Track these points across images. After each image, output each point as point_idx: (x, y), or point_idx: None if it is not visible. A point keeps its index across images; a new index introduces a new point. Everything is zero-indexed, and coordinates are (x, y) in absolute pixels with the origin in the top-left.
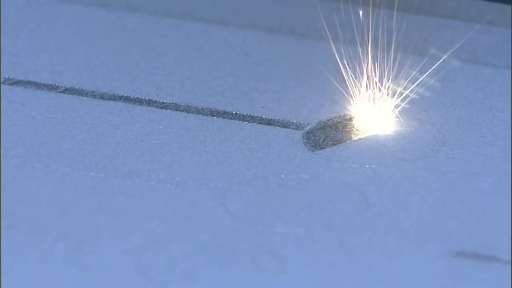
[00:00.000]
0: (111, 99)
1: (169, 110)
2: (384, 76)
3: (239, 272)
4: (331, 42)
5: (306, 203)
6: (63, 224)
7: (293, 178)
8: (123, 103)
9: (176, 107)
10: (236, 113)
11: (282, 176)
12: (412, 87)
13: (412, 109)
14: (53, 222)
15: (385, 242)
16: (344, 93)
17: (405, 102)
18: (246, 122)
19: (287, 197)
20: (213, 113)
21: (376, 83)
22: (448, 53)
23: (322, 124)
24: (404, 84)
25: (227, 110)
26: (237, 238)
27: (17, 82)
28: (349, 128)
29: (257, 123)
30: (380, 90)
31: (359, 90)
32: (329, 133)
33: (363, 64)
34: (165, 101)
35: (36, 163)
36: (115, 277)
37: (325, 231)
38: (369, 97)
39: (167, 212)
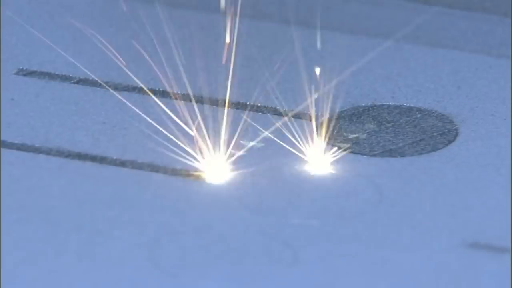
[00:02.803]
0: (125, 90)
1: (183, 101)
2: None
3: (253, 264)
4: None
5: (320, 195)
6: (76, 216)
7: (307, 169)
8: (137, 94)
9: (190, 98)
10: (250, 104)
11: (296, 167)
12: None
13: (426, 100)
14: (66, 214)
15: (398, 234)
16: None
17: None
18: (260, 113)
19: (301, 188)
20: (227, 104)
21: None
22: (463, 45)
23: (336, 115)
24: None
25: (241, 101)
26: (250, 229)
27: (31, 73)
28: (363, 119)
29: (271, 114)
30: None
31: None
32: (343, 124)
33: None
34: (178, 92)
35: (49, 154)
36: (128, 269)
37: (339, 222)
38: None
39: (180, 203)
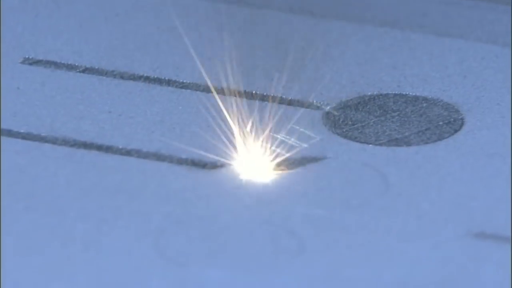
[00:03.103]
0: (131, 79)
1: (188, 90)
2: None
3: (258, 253)
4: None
5: (326, 184)
6: (81, 205)
7: (313, 158)
8: (143, 83)
9: (196, 87)
10: (256, 93)
11: (302, 156)
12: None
13: (432, 89)
14: (72, 203)
15: (404, 223)
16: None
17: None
18: (266, 102)
19: (307, 177)
20: (233, 93)
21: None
22: (469, 34)
23: (342, 104)
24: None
25: (247, 90)
26: (256, 219)
27: (37, 62)
28: (370, 108)
29: (278, 103)
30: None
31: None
32: (349, 114)
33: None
34: (184, 80)
35: (55, 144)
36: (134, 258)
37: (345, 212)
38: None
39: (186, 193)
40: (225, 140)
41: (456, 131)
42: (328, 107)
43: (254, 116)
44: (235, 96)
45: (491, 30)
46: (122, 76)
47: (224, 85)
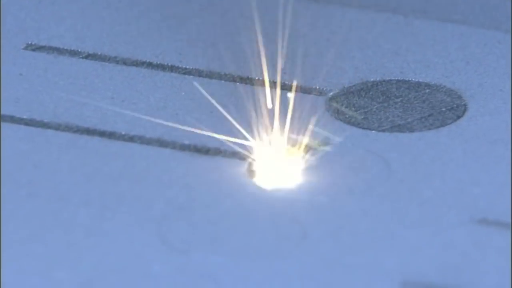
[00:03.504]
0: (134, 65)
1: (191, 76)
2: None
3: (261, 239)
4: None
5: (329, 170)
6: (84, 191)
7: (315, 144)
8: (146, 69)
9: (199, 73)
10: (258, 79)
11: (304, 142)
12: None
13: (434, 75)
14: (75, 189)
15: (407, 210)
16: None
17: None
18: (268, 88)
19: (310, 163)
20: (236, 78)
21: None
22: (472, 20)
23: (345, 90)
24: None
25: (249, 76)
26: (259, 205)
27: (40, 48)
28: (372, 94)
29: (280, 89)
30: None
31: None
32: (351, 100)
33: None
34: (187, 67)
35: (58, 130)
36: (137, 245)
37: (347, 198)
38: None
39: (189, 179)
40: (228, 126)
41: (458, 117)
42: (331, 93)
43: (257, 102)
44: (238, 82)
45: (494, 16)
46: (125, 62)
47: (227, 71)
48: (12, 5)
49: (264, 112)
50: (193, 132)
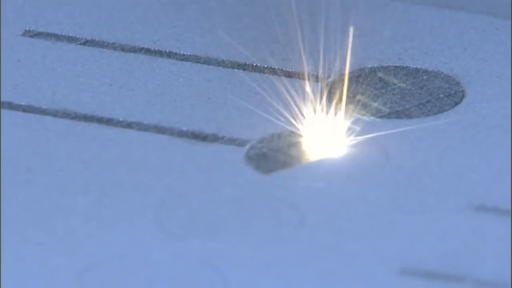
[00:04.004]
0: (132, 51)
1: (189, 62)
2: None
3: (260, 226)
4: None
5: (326, 157)
6: (82, 178)
7: (312, 131)
8: (144, 55)
9: (197, 59)
10: (256, 65)
11: (302, 128)
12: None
13: (432, 61)
14: (73, 176)
15: (405, 196)
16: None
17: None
18: (266, 74)
19: (307, 149)
20: (234, 65)
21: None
22: (470, 6)
23: (343, 76)
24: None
25: (247, 62)
26: (257, 192)
27: (38, 34)
28: (370, 80)
29: (278, 75)
30: None
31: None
32: (350, 86)
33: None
34: (185, 53)
35: (56, 116)
36: (135, 232)
37: (345, 185)
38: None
39: (187, 165)
40: (225, 112)
41: (456, 103)
42: (330, 79)
43: (254, 88)
44: (236, 68)
45: (492, 2)
46: (123, 48)
47: (225, 57)
48: None
49: (262, 98)
50: (191, 118)
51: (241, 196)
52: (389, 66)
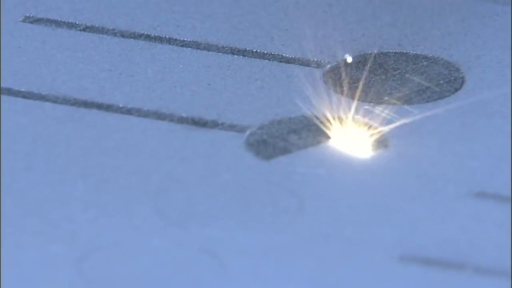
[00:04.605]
0: (131, 37)
1: (189, 48)
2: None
3: (259, 212)
4: None
5: (326, 143)
6: (81, 164)
7: (312, 117)
8: (143, 41)
9: (197, 45)
10: (256, 51)
11: (301, 114)
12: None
13: (432, 47)
14: (72, 162)
15: (405, 183)
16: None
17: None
18: (266, 60)
19: (307, 136)
20: (234, 51)
21: None
22: None
23: (343, 62)
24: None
25: (247, 48)
26: (257, 178)
27: (37, 20)
28: (370, 66)
29: (278, 61)
30: None
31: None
32: (350, 72)
33: None
34: (185, 39)
35: (56, 102)
36: (134, 218)
37: (345, 171)
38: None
39: (187, 152)
40: (225, 98)
41: (456, 89)
42: (329, 66)
43: (255, 74)
44: (235, 54)
45: None
46: (123, 35)
47: (224, 43)
48: None
49: (262, 84)
50: (191, 104)
51: (241, 183)
52: (389, 52)
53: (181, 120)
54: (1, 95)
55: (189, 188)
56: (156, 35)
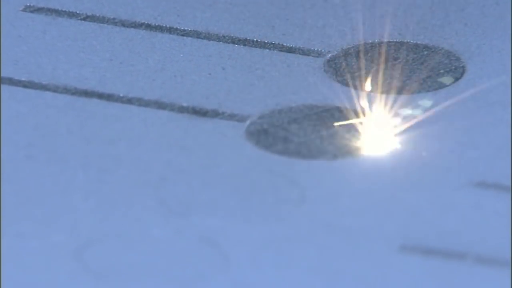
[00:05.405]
0: (132, 27)
1: (190, 38)
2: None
3: (260, 202)
4: None
5: (327, 133)
6: (82, 153)
7: (312, 107)
8: (144, 31)
9: (197, 35)
10: (257, 41)
11: (303, 104)
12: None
13: (433, 37)
14: (73, 152)
15: (405, 172)
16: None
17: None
18: (267, 50)
19: (308, 125)
20: (234, 40)
21: None
22: None
23: (344, 52)
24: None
25: (248, 38)
26: (257, 168)
27: (38, 10)
28: (371, 56)
29: (278, 50)
30: None
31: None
32: (350, 61)
33: None
34: (186, 28)
35: (56, 92)
36: (135, 207)
37: (345, 161)
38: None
39: (188, 141)
40: (226, 88)
41: (457, 79)
42: (329, 55)
43: (256, 64)
44: (236, 43)
45: None
46: (123, 24)
47: (225, 32)
48: None
49: (263, 74)
50: (191, 94)
51: (242, 172)
52: (389, 42)
53: (182, 110)
54: (2, 85)
55: (190, 178)
56: (156, 24)
